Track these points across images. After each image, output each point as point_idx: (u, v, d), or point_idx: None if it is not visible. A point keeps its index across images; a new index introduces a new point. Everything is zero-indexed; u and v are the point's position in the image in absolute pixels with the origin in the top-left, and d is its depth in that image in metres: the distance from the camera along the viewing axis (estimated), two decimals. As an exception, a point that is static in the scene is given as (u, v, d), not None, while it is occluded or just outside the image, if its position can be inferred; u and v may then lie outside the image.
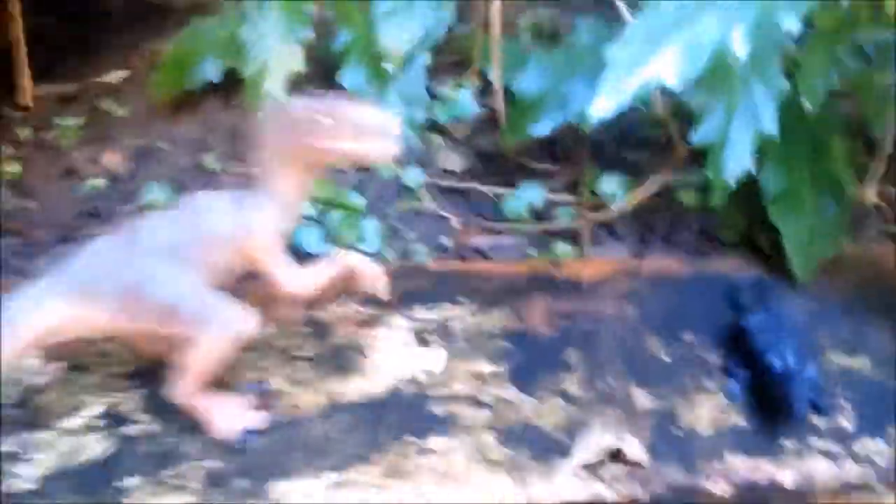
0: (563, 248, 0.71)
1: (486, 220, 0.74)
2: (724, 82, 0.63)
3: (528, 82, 0.74)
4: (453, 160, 0.82)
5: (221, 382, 0.48)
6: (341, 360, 0.53)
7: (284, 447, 0.47)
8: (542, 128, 0.72)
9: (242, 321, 0.46)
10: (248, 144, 0.51)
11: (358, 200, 0.66)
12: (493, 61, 0.76)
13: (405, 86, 0.81)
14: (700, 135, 0.63)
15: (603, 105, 0.50)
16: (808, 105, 0.65)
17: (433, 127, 0.84)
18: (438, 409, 0.50)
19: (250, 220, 0.47)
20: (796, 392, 0.49)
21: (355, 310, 0.57)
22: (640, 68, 0.50)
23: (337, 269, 0.50)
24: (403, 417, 0.49)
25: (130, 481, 0.44)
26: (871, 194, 0.73)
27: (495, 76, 0.76)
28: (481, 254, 0.72)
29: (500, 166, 0.80)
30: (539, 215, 0.75)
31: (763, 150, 0.68)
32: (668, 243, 0.73)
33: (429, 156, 0.81)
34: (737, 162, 0.62)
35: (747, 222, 0.70)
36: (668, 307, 0.61)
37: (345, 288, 0.53)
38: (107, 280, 0.44)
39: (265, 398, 0.49)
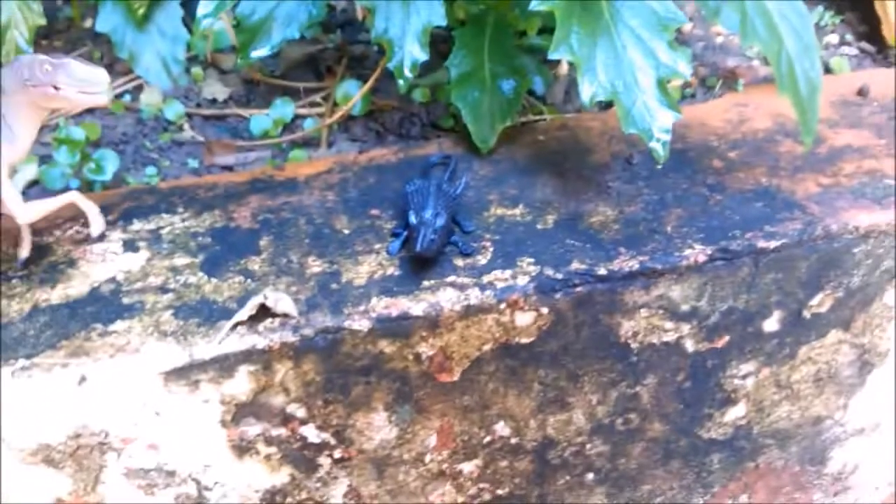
0: (300, 154, 0.80)
1: (238, 139, 0.83)
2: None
3: (246, 6, 0.81)
4: (217, 90, 0.90)
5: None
6: (53, 273, 0.62)
7: (-15, 347, 0.56)
8: (261, 50, 0.80)
9: None
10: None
11: (78, 135, 0.74)
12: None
13: (164, 23, 0.87)
14: (377, 32, 0.72)
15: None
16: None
17: (198, 61, 0.91)
18: (128, 300, 0.60)
19: None
20: (419, 239, 0.59)
21: (75, 230, 0.66)
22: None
23: (59, 204, 0.61)
24: (96, 310, 0.59)
25: None
26: (563, 68, 0.83)
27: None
28: (228, 169, 0.81)
29: (263, 90, 0.89)
30: (288, 129, 0.84)
31: (452, 39, 0.77)
32: (400, 137, 0.83)
33: (194, 89, 0.89)
34: (411, 53, 0.70)
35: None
36: (366, 190, 0.71)
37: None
38: None
39: None
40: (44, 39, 0.94)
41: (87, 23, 0.97)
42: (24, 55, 0.59)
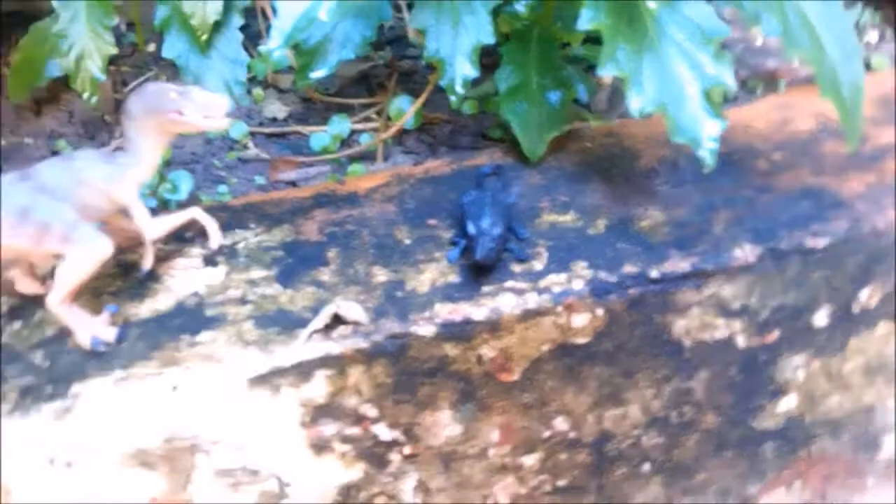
0: (358, 168, 0.83)
1: (299, 155, 0.86)
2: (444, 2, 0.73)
3: (304, 31, 0.84)
4: (277, 109, 0.93)
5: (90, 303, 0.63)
6: (140, 289, 0.66)
7: (84, 360, 0.60)
8: (319, 71, 0.83)
9: (101, 244, 0.60)
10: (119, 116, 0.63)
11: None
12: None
13: (225, 48, 0.91)
14: (429, 51, 0.74)
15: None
16: (519, 8, 0.75)
17: (257, 82, 0.95)
18: (211, 312, 0.63)
19: (115, 171, 0.62)
20: (478, 248, 0.62)
21: (157, 248, 0.70)
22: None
23: (183, 219, 0.65)
24: (182, 322, 0.63)
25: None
26: (607, 78, 0.84)
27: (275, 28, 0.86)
28: (292, 185, 0.84)
29: (320, 107, 0.92)
30: (345, 144, 0.87)
31: (500, 54, 0.78)
32: (451, 149, 0.85)
33: (255, 109, 0.93)
34: (462, 71, 0.73)
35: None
36: (424, 201, 0.73)
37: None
38: (3, 205, 0.58)
39: (116, 318, 0.63)
40: (111, 65, 0.98)
41: (151, 47, 1.01)
42: (151, 83, 0.63)
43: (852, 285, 0.69)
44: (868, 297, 0.70)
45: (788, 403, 0.75)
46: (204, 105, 0.61)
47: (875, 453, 0.82)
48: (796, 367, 0.73)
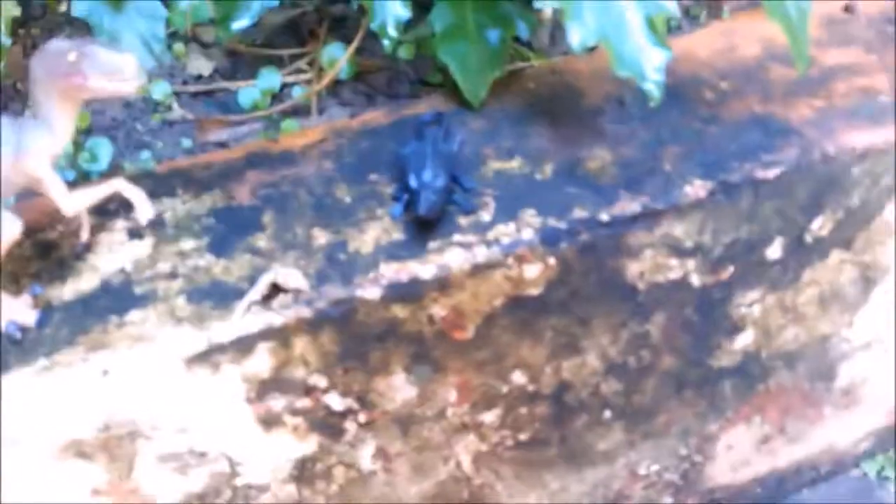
0: (292, 123, 0.77)
1: (227, 114, 0.80)
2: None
3: (221, -24, 0.77)
4: (202, 65, 0.87)
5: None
6: (62, 269, 0.60)
7: (4, 350, 0.55)
8: (241, 21, 0.76)
9: (7, 223, 0.54)
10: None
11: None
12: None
13: (140, 3, 0.83)
14: (360, -7, 0.68)
15: None
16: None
17: (178, 37, 0.88)
18: (140, 289, 0.59)
19: (23, 141, 0.55)
20: (421, 202, 0.58)
21: (78, 224, 0.64)
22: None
23: (104, 192, 0.59)
24: (109, 302, 0.58)
25: None
26: (547, 11, 0.79)
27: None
28: (222, 146, 0.78)
29: (248, 60, 0.85)
30: (277, 99, 0.81)
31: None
32: (390, 98, 0.80)
33: (178, 66, 0.86)
34: (393, 12, 0.67)
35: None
36: (363, 155, 0.68)
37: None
38: None
39: (38, 300, 0.58)
40: (20, 28, 0.90)
41: (63, 6, 0.92)
42: (51, 43, 0.55)
43: (804, 215, 0.67)
44: (820, 225, 0.68)
45: (745, 339, 0.74)
46: (108, 66, 0.54)
47: (831, 382, 0.82)
48: (752, 302, 0.72)
